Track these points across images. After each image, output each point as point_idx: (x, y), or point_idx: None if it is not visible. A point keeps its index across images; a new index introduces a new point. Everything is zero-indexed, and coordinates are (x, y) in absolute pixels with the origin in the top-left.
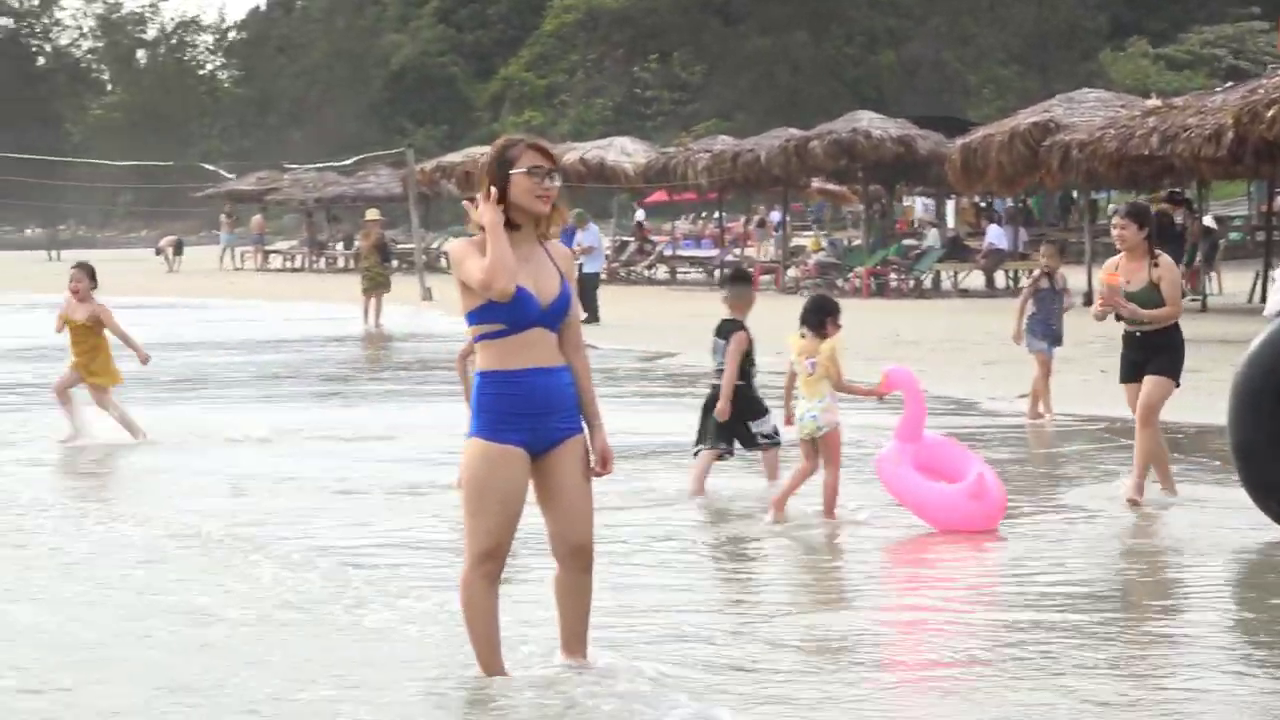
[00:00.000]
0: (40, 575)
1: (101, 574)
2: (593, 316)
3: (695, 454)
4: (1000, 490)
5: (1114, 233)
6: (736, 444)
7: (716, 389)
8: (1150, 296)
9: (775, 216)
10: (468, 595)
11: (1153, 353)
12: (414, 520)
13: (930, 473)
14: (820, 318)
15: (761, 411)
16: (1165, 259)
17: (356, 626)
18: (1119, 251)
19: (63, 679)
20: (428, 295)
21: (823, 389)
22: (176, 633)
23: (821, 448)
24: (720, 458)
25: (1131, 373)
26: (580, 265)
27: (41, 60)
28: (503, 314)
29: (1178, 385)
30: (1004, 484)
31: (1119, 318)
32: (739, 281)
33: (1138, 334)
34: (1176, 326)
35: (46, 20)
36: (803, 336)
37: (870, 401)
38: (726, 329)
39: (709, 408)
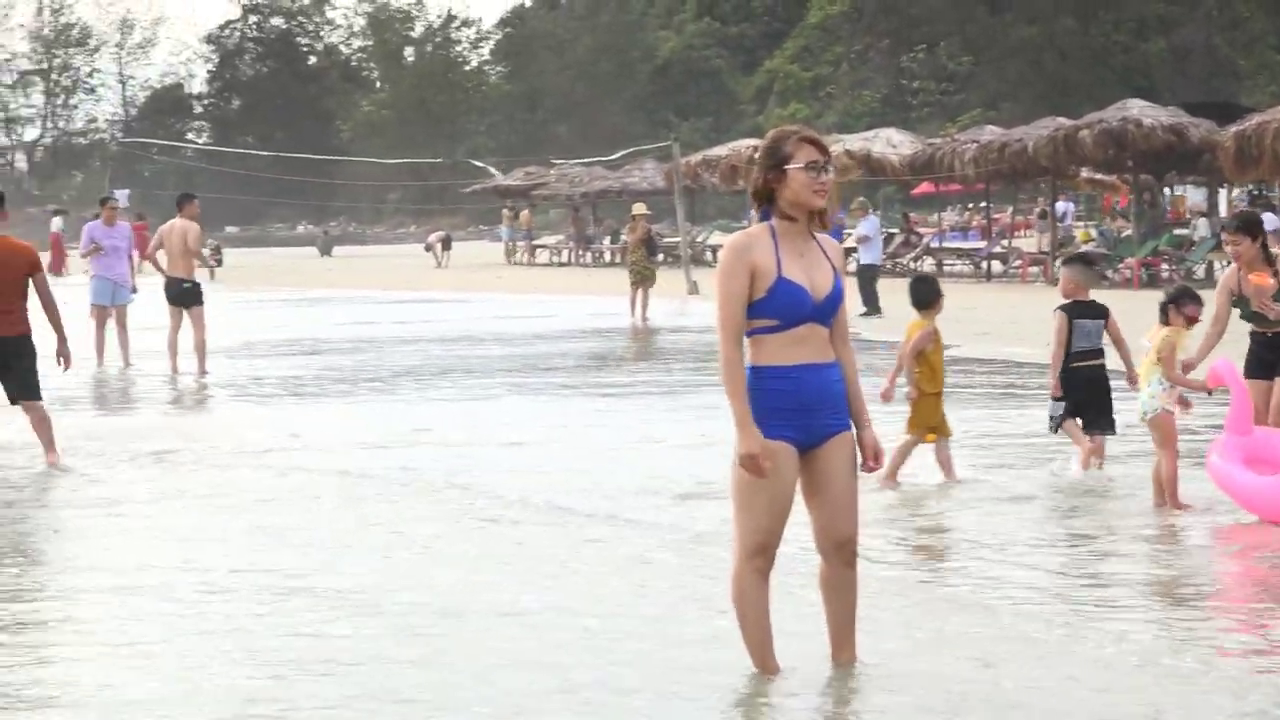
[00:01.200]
0: (365, 574)
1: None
2: (873, 308)
3: (1091, 436)
4: None
5: (1227, 249)
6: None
7: (1091, 369)
8: None
9: (1061, 206)
10: (739, 592)
11: None
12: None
13: (1265, 465)
14: (1169, 305)
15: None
16: None
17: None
18: None
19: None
20: (694, 288)
21: (1160, 372)
22: (505, 631)
23: (1151, 430)
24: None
25: (1259, 369)
26: (856, 256)
27: (313, 59)
28: (775, 309)
29: None
30: None
31: (1249, 317)
32: (1090, 264)
33: (1268, 335)
34: None
35: (318, 19)
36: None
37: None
38: (1099, 310)
39: (1093, 390)
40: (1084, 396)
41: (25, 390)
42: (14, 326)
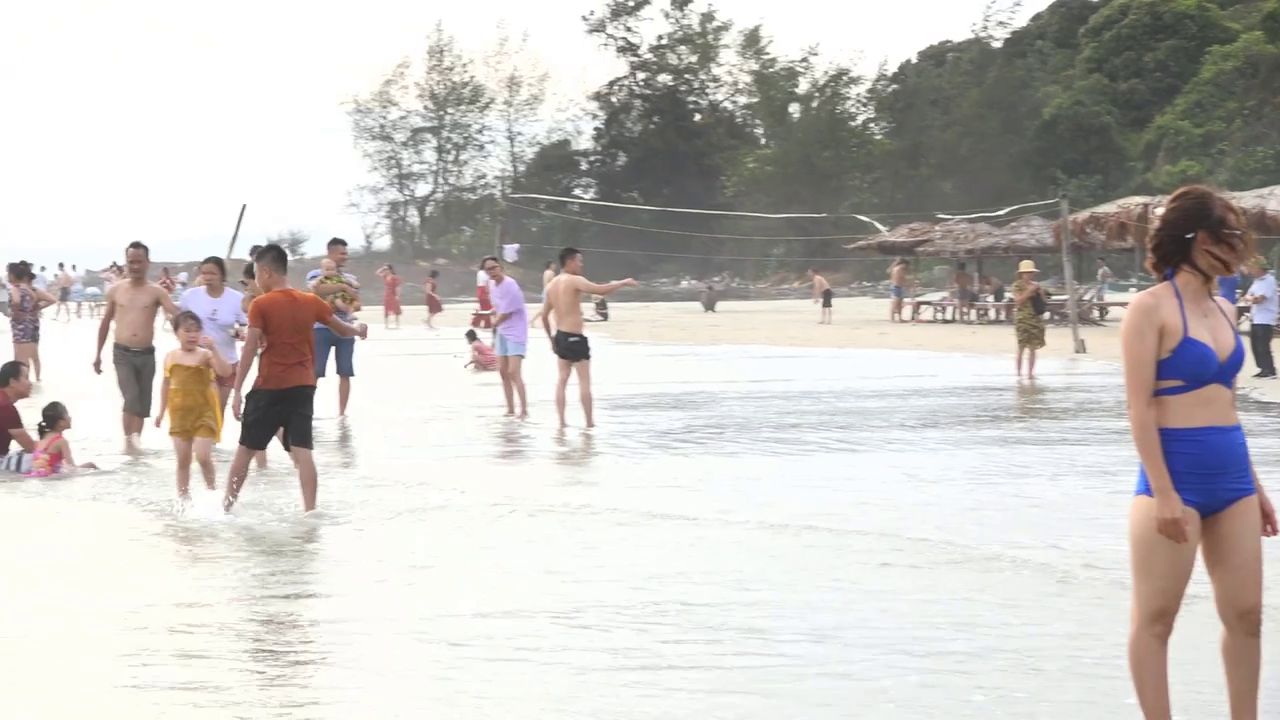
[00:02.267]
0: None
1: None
2: (1267, 369)
3: None
4: None
5: None
6: None
7: None
8: None
9: None
10: (1136, 657)
11: None
12: None
13: None
14: None
15: None
16: None
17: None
18: None
19: None
20: (1081, 348)
21: None
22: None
23: None
24: None
25: None
26: (1250, 315)
27: (698, 116)
28: (1181, 369)
29: None
30: None
31: None
32: None
33: None
34: None
35: (703, 76)
36: None
37: None
38: None
39: None
40: None
41: (304, 438)
42: (307, 376)
